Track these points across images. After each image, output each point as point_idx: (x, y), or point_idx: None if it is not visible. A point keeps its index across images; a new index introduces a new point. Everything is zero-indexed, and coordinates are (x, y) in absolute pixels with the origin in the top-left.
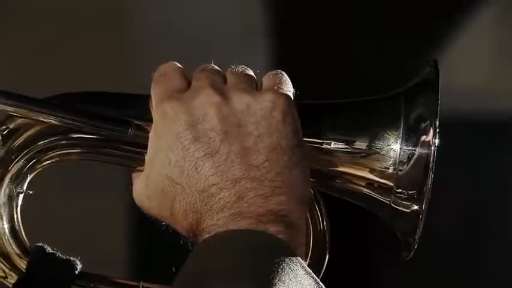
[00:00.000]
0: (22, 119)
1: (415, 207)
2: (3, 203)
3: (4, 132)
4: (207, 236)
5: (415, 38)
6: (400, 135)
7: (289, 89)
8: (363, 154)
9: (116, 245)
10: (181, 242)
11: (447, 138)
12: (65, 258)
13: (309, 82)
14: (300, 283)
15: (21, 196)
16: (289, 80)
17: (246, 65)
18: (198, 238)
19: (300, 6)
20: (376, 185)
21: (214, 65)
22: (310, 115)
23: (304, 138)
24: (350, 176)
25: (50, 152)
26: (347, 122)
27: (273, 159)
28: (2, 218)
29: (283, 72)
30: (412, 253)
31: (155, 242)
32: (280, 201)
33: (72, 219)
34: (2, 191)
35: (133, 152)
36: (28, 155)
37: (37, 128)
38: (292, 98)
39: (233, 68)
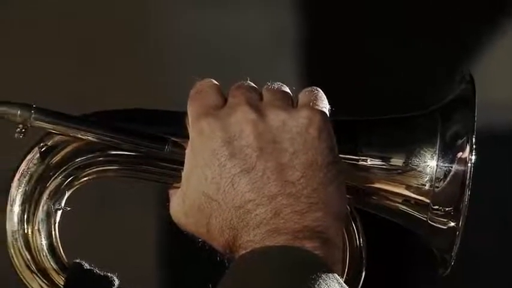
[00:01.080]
0: (60, 136)
1: (452, 223)
2: (42, 220)
3: (42, 149)
4: (243, 252)
5: (449, 48)
6: (437, 152)
7: (324, 106)
8: (399, 171)
9: (153, 261)
10: (218, 258)
11: (480, 152)
12: (102, 274)
13: (341, 93)
14: None
15: (59, 213)
16: (325, 97)
17: (277, 77)
18: (235, 254)
19: (333, 19)
20: (412, 202)
21: (250, 82)
22: (346, 131)
23: (340, 155)
24: (386, 193)
25: (88, 169)
26: (383, 138)
27: (309, 175)
28: (40, 235)
29: (319, 89)
30: (448, 269)
31: (192, 259)
32: (317, 218)
33: (109, 236)
34: (41, 207)
35: (170, 169)
36: (66, 172)
37: (75, 145)
38: (328, 115)
39: (269, 85)
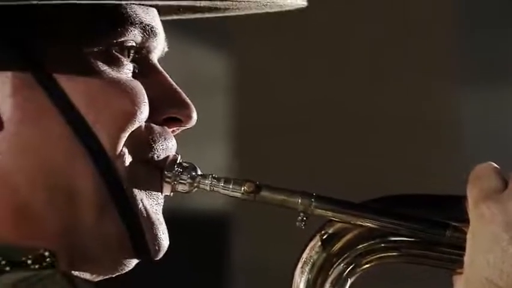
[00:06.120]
0: (341, 224)
1: None
2: None
3: (324, 237)
4: None
5: None
6: None
7: None
8: None
9: None
10: None
11: None
12: None
13: None
14: None
15: None
16: None
17: None
18: None
19: None
20: None
21: None
22: None
23: None
24: None
25: (369, 256)
26: None
27: None
28: None
29: None
30: None
31: None
32: None
33: None
34: None
35: (452, 254)
36: (348, 259)
37: (355, 232)
38: None
39: None
